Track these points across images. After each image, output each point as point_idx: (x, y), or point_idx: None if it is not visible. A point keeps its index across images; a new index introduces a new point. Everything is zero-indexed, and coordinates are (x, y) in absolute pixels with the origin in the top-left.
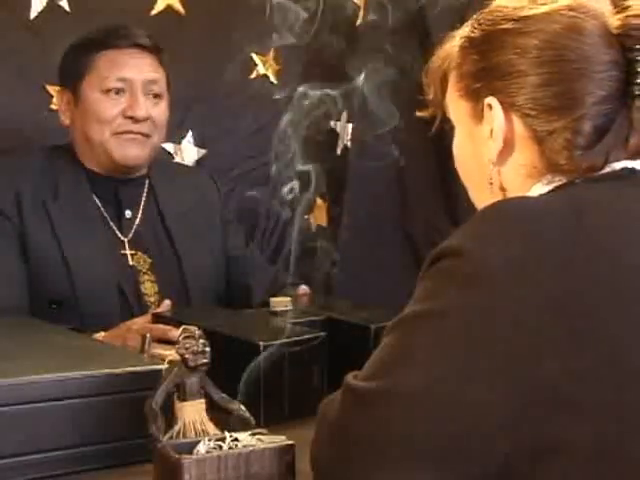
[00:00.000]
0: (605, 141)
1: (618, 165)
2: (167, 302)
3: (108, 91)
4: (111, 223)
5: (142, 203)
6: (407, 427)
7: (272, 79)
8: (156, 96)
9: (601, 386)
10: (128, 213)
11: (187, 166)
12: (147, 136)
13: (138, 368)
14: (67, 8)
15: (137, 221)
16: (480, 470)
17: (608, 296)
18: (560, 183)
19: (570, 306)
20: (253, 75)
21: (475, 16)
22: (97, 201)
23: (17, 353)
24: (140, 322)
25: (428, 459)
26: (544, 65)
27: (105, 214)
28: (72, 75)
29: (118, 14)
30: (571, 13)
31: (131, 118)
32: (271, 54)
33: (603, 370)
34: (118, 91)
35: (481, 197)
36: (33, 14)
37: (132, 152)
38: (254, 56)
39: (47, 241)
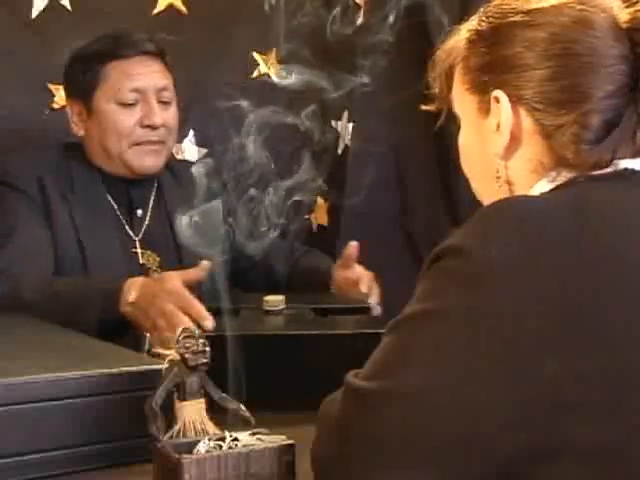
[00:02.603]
0: (613, 136)
1: (621, 164)
2: (205, 263)
3: (123, 103)
4: (124, 222)
5: (151, 202)
6: (408, 427)
7: (274, 78)
8: (166, 102)
9: (602, 387)
10: (139, 212)
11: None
12: (163, 143)
13: (138, 368)
14: (69, 7)
15: (147, 220)
16: (480, 470)
17: (610, 297)
18: (563, 181)
19: (572, 307)
20: (255, 74)
21: (482, 9)
22: (111, 201)
23: (17, 353)
24: (176, 285)
25: (429, 459)
26: (552, 58)
27: (118, 212)
28: (82, 87)
29: (120, 13)
30: (580, 6)
31: (148, 127)
32: (273, 53)
33: (605, 371)
34: (132, 101)
35: (486, 191)
36: (34, 13)
37: (150, 162)
38: (256, 55)
39: (67, 230)
